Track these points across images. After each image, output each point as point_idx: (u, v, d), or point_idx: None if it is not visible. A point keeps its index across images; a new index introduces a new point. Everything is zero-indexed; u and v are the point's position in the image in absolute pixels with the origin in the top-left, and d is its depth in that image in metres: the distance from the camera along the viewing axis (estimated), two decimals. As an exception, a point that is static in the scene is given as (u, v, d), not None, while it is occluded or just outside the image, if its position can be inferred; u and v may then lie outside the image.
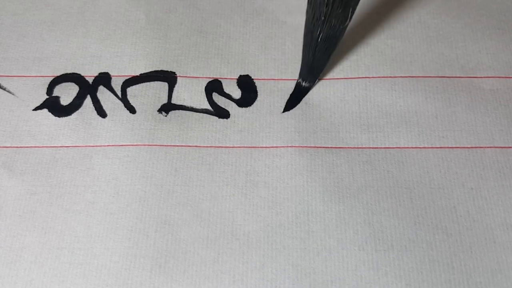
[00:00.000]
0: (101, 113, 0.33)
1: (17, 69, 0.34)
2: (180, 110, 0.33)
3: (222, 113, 0.33)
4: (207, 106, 0.33)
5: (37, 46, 0.35)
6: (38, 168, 0.31)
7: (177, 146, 0.32)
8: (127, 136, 0.32)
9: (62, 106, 0.33)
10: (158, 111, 0.33)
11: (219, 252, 0.29)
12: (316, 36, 0.30)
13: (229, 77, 0.34)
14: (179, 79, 0.34)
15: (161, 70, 0.34)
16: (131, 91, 0.34)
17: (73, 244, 0.29)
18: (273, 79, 0.34)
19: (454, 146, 0.32)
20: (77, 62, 0.35)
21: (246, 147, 0.32)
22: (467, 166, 0.31)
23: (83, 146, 0.32)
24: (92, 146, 0.32)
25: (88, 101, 0.33)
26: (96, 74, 0.34)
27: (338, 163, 0.31)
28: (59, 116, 0.33)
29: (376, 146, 0.32)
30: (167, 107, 0.33)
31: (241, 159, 0.32)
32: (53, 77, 0.34)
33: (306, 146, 0.32)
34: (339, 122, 0.33)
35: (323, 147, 0.32)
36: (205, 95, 0.34)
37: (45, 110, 0.33)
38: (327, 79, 0.34)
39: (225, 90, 0.34)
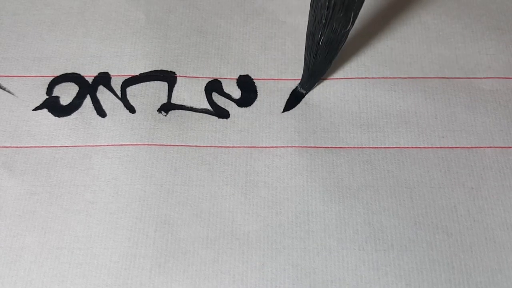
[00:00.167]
0: (101, 113, 0.33)
1: (17, 69, 0.34)
2: (180, 110, 0.33)
3: (222, 113, 0.33)
4: (206, 106, 0.33)
5: (37, 46, 0.35)
6: (38, 168, 0.31)
7: (177, 145, 0.32)
8: (126, 135, 0.32)
9: (62, 106, 0.33)
10: (157, 110, 0.33)
11: (219, 252, 0.29)
12: (317, 39, 0.30)
13: (229, 77, 0.34)
14: (178, 79, 0.34)
15: (161, 70, 0.34)
16: (130, 91, 0.34)
17: (73, 244, 0.29)
18: (273, 79, 0.34)
19: (454, 146, 0.32)
20: (77, 62, 0.35)
21: (246, 147, 0.32)
22: (467, 166, 0.31)
23: (82, 146, 0.32)
24: (91, 146, 0.32)
25: (87, 101, 0.33)
26: (96, 74, 0.34)
27: (338, 163, 0.31)
28: (59, 116, 0.33)
29: (376, 146, 0.32)
30: (167, 107, 0.33)
31: (241, 159, 0.32)
32: (53, 77, 0.34)
33: (306, 146, 0.32)
34: (339, 122, 0.33)
35: (323, 147, 0.32)
36: (205, 95, 0.34)
37: (45, 110, 0.33)
38: (327, 79, 0.34)
39: (225, 90, 0.34)
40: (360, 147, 0.32)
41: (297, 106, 0.33)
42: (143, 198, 0.30)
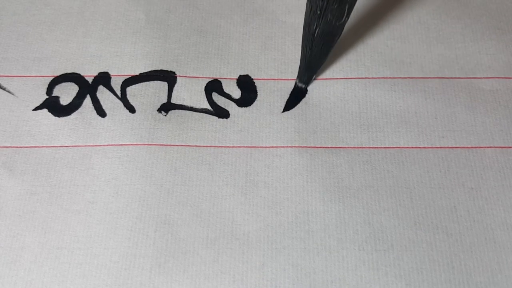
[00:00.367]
0: (101, 112, 0.33)
1: (17, 69, 0.34)
2: (180, 110, 0.33)
3: (222, 113, 0.33)
4: (206, 106, 0.33)
5: (37, 46, 0.35)
6: (38, 168, 0.31)
7: (177, 145, 0.32)
8: (126, 135, 0.32)
9: (62, 106, 0.33)
10: (157, 110, 0.33)
11: (219, 252, 0.29)
12: (312, 30, 0.30)
13: (229, 77, 0.34)
14: (178, 79, 0.34)
15: (161, 70, 0.34)
16: (130, 90, 0.34)
17: (73, 244, 0.29)
18: (273, 79, 0.34)
19: (454, 146, 0.32)
20: (77, 62, 0.35)
21: (246, 147, 0.32)
22: (467, 166, 0.31)
23: (82, 146, 0.32)
24: (91, 145, 0.32)
25: (87, 100, 0.33)
26: (95, 73, 0.34)
27: (338, 163, 0.31)
28: (59, 116, 0.33)
29: (376, 146, 0.32)
30: (167, 107, 0.33)
31: (241, 159, 0.32)
32: (53, 77, 0.34)
33: (306, 146, 0.32)
34: (339, 122, 0.33)
35: (323, 147, 0.32)
36: (204, 95, 0.34)
37: (45, 110, 0.33)
38: (327, 79, 0.34)
39: (225, 90, 0.34)
40: (360, 147, 0.32)
41: (297, 106, 0.33)
42: (143, 198, 0.30)
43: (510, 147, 0.32)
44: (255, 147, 0.32)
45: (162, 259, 0.29)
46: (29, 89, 0.34)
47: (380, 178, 0.31)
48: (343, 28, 0.31)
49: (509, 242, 0.29)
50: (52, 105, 0.33)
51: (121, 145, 0.32)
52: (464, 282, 0.28)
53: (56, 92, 0.34)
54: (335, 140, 0.32)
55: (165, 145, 0.32)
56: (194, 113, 0.33)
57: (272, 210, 0.30)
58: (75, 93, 0.34)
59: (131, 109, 0.33)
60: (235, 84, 0.34)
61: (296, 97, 0.34)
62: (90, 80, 0.34)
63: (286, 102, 0.33)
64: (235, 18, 0.36)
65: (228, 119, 0.33)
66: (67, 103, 0.33)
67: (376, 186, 0.31)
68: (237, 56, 0.35)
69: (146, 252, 0.29)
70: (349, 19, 0.31)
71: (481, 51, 0.35)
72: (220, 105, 0.33)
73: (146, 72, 0.34)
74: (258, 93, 0.34)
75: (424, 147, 0.32)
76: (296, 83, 0.34)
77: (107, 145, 0.32)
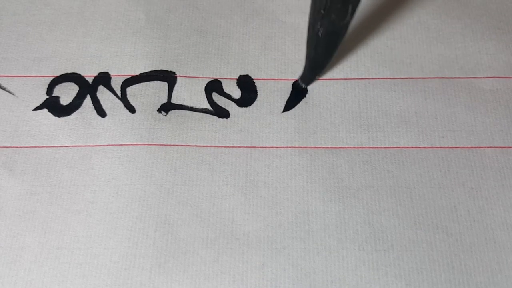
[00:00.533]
0: (101, 112, 0.33)
1: (17, 69, 0.34)
2: (180, 110, 0.33)
3: (222, 113, 0.33)
4: (206, 105, 0.33)
5: (37, 46, 0.35)
6: (38, 168, 0.31)
7: (177, 145, 0.32)
8: (126, 135, 0.32)
9: (62, 106, 0.33)
10: (157, 110, 0.33)
11: (219, 252, 0.29)
12: (316, 30, 0.30)
13: (229, 77, 0.34)
14: (179, 79, 0.34)
15: (161, 70, 0.34)
16: (130, 90, 0.34)
17: (73, 244, 0.29)
18: (273, 79, 0.34)
19: (454, 146, 0.32)
20: (77, 62, 0.35)
21: (246, 147, 0.32)
22: (467, 166, 0.31)
23: (82, 146, 0.32)
24: (91, 145, 0.32)
25: (88, 101, 0.33)
26: (96, 74, 0.34)
27: (338, 163, 0.31)
28: (59, 116, 0.33)
29: (376, 146, 0.32)
30: (167, 107, 0.33)
31: (241, 159, 0.32)
32: (53, 77, 0.34)
33: (306, 147, 0.32)
34: (339, 122, 0.33)
35: (323, 147, 0.32)
36: (205, 95, 0.34)
37: (45, 110, 0.33)
38: (327, 79, 0.34)
39: (225, 90, 0.34)
40: (360, 147, 0.32)
41: (297, 106, 0.33)
42: (143, 198, 0.30)
43: (510, 147, 0.32)
44: (255, 147, 0.32)
45: (162, 259, 0.29)
46: (29, 89, 0.34)
47: (380, 178, 0.31)
48: (348, 28, 0.31)
49: (509, 242, 0.29)
50: (52, 105, 0.33)
51: (121, 145, 0.32)
52: (464, 282, 0.28)
53: (56, 92, 0.34)
54: (335, 140, 0.32)
55: (165, 145, 0.32)
56: (194, 113, 0.33)
57: (272, 210, 0.30)
58: (75, 93, 0.34)
59: (131, 109, 0.33)
60: (235, 84, 0.34)
61: (296, 97, 0.34)
62: (90, 80, 0.34)
63: (286, 102, 0.33)
64: (235, 18, 0.36)
65: (228, 119, 0.33)
66: (67, 103, 0.33)
67: (376, 186, 0.31)
68: (237, 56, 0.35)
69: (146, 252, 0.29)
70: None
71: (481, 51, 0.35)
72: (220, 105, 0.33)
73: (146, 72, 0.34)
74: (258, 93, 0.34)
75: (424, 147, 0.32)
76: (297, 81, 0.34)
77: (107, 145, 0.32)
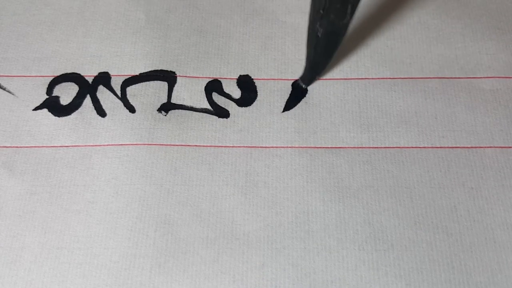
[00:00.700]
0: (101, 112, 0.33)
1: (17, 69, 0.34)
2: (180, 110, 0.33)
3: (222, 113, 0.33)
4: (206, 105, 0.33)
5: (37, 46, 0.35)
6: (38, 168, 0.31)
7: (177, 145, 0.32)
8: (126, 135, 0.32)
9: (62, 106, 0.33)
10: (157, 110, 0.33)
11: (219, 252, 0.29)
12: (316, 30, 0.30)
13: (229, 77, 0.34)
14: (178, 79, 0.34)
15: (161, 70, 0.34)
16: (130, 90, 0.34)
17: (73, 244, 0.29)
18: (273, 79, 0.34)
19: (454, 146, 0.32)
20: (77, 62, 0.35)
21: (246, 146, 0.32)
22: (467, 166, 0.31)
23: (82, 146, 0.32)
24: (91, 145, 0.32)
25: (87, 100, 0.33)
26: (95, 73, 0.34)
27: (338, 163, 0.31)
28: (59, 116, 0.33)
29: (376, 146, 0.32)
30: (167, 107, 0.33)
31: (241, 158, 0.32)
32: (53, 77, 0.34)
33: (306, 147, 0.32)
34: (339, 121, 0.33)
35: (323, 147, 0.32)
36: (205, 95, 0.34)
37: (45, 110, 0.33)
38: (327, 79, 0.34)
39: (225, 90, 0.34)
40: (360, 147, 0.32)
41: (297, 106, 0.33)
42: (143, 198, 0.30)
43: (510, 147, 0.32)
44: (255, 147, 0.32)
45: (162, 259, 0.29)
46: (29, 89, 0.34)
47: (380, 178, 0.31)
48: (347, 28, 0.31)
49: (509, 242, 0.29)
50: (52, 105, 0.33)
51: (121, 145, 0.32)
52: (464, 282, 0.28)
53: (56, 92, 0.34)
54: (335, 140, 0.32)
55: (165, 145, 0.32)
56: (194, 113, 0.33)
57: (272, 210, 0.30)
58: (75, 93, 0.34)
59: (131, 109, 0.33)
60: (235, 84, 0.34)
61: (296, 97, 0.34)
62: (90, 80, 0.34)
63: (286, 102, 0.33)
64: (235, 18, 0.36)
65: (228, 119, 0.33)
66: (67, 103, 0.33)
67: (376, 186, 0.31)
68: (237, 56, 0.35)
69: (146, 252, 0.29)
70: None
71: (481, 51, 0.35)
72: (220, 105, 0.33)
73: (146, 72, 0.34)
74: (258, 93, 0.34)
75: (424, 147, 0.32)
76: (297, 81, 0.34)
77: (107, 145, 0.32)
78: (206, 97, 0.34)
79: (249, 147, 0.32)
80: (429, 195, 0.30)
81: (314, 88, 0.34)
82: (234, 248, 0.29)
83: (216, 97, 0.34)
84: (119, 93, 0.34)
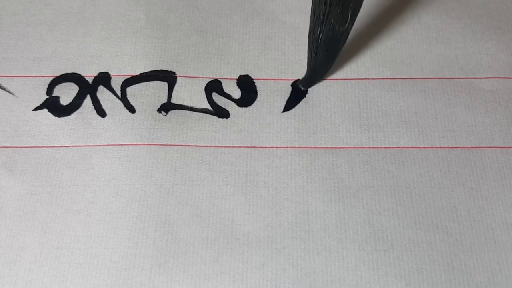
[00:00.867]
0: (101, 112, 0.33)
1: (17, 69, 0.34)
2: (180, 110, 0.33)
3: (222, 113, 0.33)
4: (206, 105, 0.33)
5: (37, 46, 0.35)
6: (38, 168, 0.31)
7: (177, 145, 0.32)
8: (126, 135, 0.32)
9: (62, 106, 0.33)
10: (157, 110, 0.33)
11: (219, 252, 0.29)
12: (316, 36, 0.30)
13: (229, 77, 0.34)
14: (178, 79, 0.34)
15: (161, 70, 0.34)
16: (130, 90, 0.34)
17: (73, 244, 0.29)
18: (273, 79, 0.34)
19: (454, 146, 0.32)
20: (77, 62, 0.35)
21: (246, 147, 0.32)
22: (467, 166, 0.31)
23: (82, 146, 0.32)
24: (91, 145, 0.32)
25: (88, 101, 0.33)
26: (96, 74, 0.34)
27: (338, 163, 0.31)
28: (59, 116, 0.33)
29: (376, 146, 0.32)
30: (167, 107, 0.33)
31: (241, 159, 0.32)
32: (53, 77, 0.34)
33: (306, 147, 0.32)
34: (339, 122, 0.33)
35: (323, 147, 0.32)
36: (205, 95, 0.34)
37: (45, 110, 0.33)
38: (327, 79, 0.34)
39: (225, 90, 0.34)
40: (360, 147, 0.32)
41: (297, 106, 0.33)
42: (143, 198, 0.30)
43: (510, 147, 0.32)
44: (255, 147, 0.32)
45: (162, 259, 0.29)
46: (29, 89, 0.34)
47: (380, 178, 0.31)
48: (348, 34, 0.31)
49: (509, 242, 0.29)
50: (52, 105, 0.33)
51: (121, 145, 0.32)
52: (464, 282, 0.28)
53: (56, 92, 0.34)
54: (335, 140, 0.32)
55: (165, 145, 0.32)
56: (194, 113, 0.33)
57: (272, 210, 0.30)
58: (75, 93, 0.34)
59: (131, 109, 0.33)
60: (235, 84, 0.34)
61: (296, 97, 0.34)
62: (90, 80, 0.34)
63: (286, 102, 0.33)
64: (235, 18, 0.36)
65: (228, 119, 0.33)
66: (67, 103, 0.33)
67: (376, 186, 0.31)
68: (237, 56, 0.35)
69: (146, 252, 0.29)
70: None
71: (481, 51, 0.35)
72: (220, 105, 0.33)
73: (146, 72, 0.34)
74: (258, 93, 0.34)
75: (424, 147, 0.32)
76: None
77: (107, 145, 0.32)
78: (206, 97, 0.34)
79: (249, 147, 0.32)
80: (429, 195, 0.30)
81: (314, 88, 0.34)
82: (234, 248, 0.29)
83: (216, 97, 0.34)
84: (119, 93, 0.34)
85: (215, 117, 0.33)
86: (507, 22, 0.36)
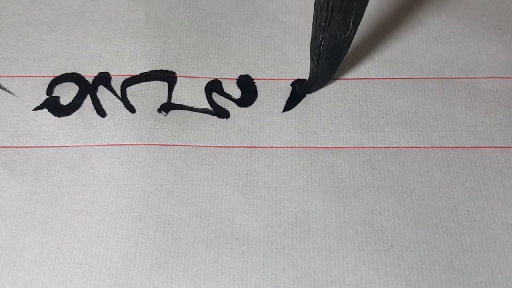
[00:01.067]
0: (101, 112, 0.33)
1: (17, 69, 0.34)
2: (180, 110, 0.33)
3: (222, 113, 0.33)
4: (207, 105, 0.33)
5: (37, 46, 0.35)
6: (38, 168, 0.31)
7: (177, 145, 0.32)
8: (126, 135, 0.32)
9: (62, 106, 0.33)
10: (157, 110, 0.33)
11: (219, 252, 0.29)
12: (318, 43, 0.30)
13: (229, 77, 0.34)
14: (179, 79, 0.34)
15: (161, 70, 0.34)
16: (130, 90, 0.34)
17: (73, 244, 0.29)
18: (273, 79, 0.34)
19: (454, 146, 0.32)
20: (77, 62, 0.35)
21: (246, 147, 0.32)
22: (467, 166, 0.31)
23: (82, 146, 0.32)
24: (91, 145, 0.32)
25: (88, 100, 0.33)
26: (96, 73, 0.34)
27: (338, 163, 0.31)
28: (59, 116, 0.33)
29: (376, 146, 0.32)
30: (167, 107, 0.33)
31: (241, 159, 0.32)
32: (53, 77, 0.34)
33: (306, 147, 0.32)
34: (339, 121, 0.33)
35: (323, 147, 0.32)
36: (205, 95, 0.34)
37: (45, 110, 0.33)
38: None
39: (225, 90, 0.34)
40: (360, 147, 0.32)
41: (297, 106, 0.33)
42: (143, 198, 0.30)
43: (510, 147, 0.32)
44: (255, 147, 0.32)
45: (162, 259, 0.29)
46: (29, 89, 0.34)
47: (380, 178, 0.31)
48: (351, 42, 0.31)
49: (509, 242, 0.29)
50: (52, 105, 0.33)
51: (121, 145, 0.32)
52: (464, 282, 0.28)
53: (56, 92, 0.34)
54: (335, 140, 0.32)
55: (165, 145, 0.32)
56: (194, 113, 0.33)
57: (272, 210, 0.30)
58: (75, 93, 0.34)
59: (131, 109, 0.33)
60: (235, 84, 0.34)
61: (296, 97, 0.34)
62: (90, 80, 0.34)
63: (286, 102, 0.33)
64: (235, 18, 0.36)
65: (228, 119, 0.33)
66: (67, 103, 0.33)
67: (376, 186, 0.31)
68: (237, 56, 0.35)
69: (146, 252, 0.29)
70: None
71: (481, 51, 0.35)
72: (220, 105, 0.33)
73: (146, 72, 0.34)
74: (258, 93, 0.34)
75: (424, 147, 0.32)
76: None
77: (107, 145, 0.32)
78: (206, 97, 0.34)
79: (249, 147, 0.32)
80: (429, 195, 0.30)
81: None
82: (234, 248, 0.29)
83: (216, 97, 0.34)
84: (119, 93, 0.34)
85: (215, 117, 0.33)
86: (507, 22, 0.36)
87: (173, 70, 0.34)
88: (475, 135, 0.32)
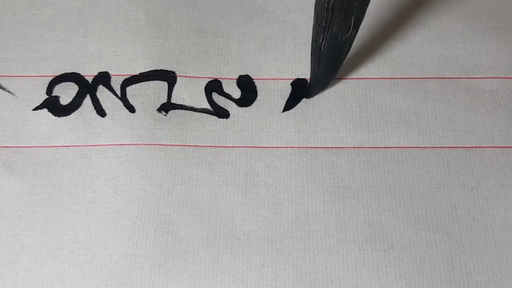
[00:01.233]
0: (101, 112, 0.33)
1: (17, 69, 0.34)
2: (180, 110, 0.33)
3: (222, 113, 0.33)
4: (206, 105, 0.33)
5: (37, 46, 0.35)
6: (38, 168, 0.31)
7: (177, 145, 0.32)
8: (126, 135, 0.32)
9: (62, 105, 0.33)
10: (157, 110, 0.33)
11: (219, 252, 0.29)
12: (319, 44, 0.30)
13: (229, 77, 0.34)
14: (178, 79, 0.34)
15: (161, 70, 0.34)
16: (130, 90, 0.34)
17: (73, 244, 0.29)
18: (273, 79, 0.34)
19: (454, 146, 0.32)
20: (77, 61, 0.35)
21: (246, 147, 0.32)
22: (467, 166, 0.31)
23: (82, 146, 0.32)
24: (91, 145, 0.32)
25: (87, 100, 0.33)
26: (95, 73, 0.34)
27: (338, 163, 0.31)
28: (58, 116, 0.33)
29: (376, 146, 0.32)
30: (167, 107, 0.33)
31: (241, 159, 0.32)
32: (53, 77, 0.34)
33: (306, 147, 0.32)
34: (339, 121, 0.33)
35: (323, 147, 0.32)
36: (205, 95, 0.34)
37: (45, 110, 0.33)
38: (327, 79, 0.34)
39: (225, 90, 0.34)
40: (360, 147, 0.32)
41: (297, 106, 0.33)
42: (143, 198, 0.30)
43: (510, 147, 0.32)
44: (255, 147, 0.32)
45: (162, 259, 0.29)
46: (29, 89, 0.34)
47: (380, 178, 0.31)
48: (351, 43, 0.31)
49: (509, 242, 0.29)
50: (52, 105, 0.33)
51: (121, 145, 0.32)
52: (464, 282, 0.28)
53: (56, 92, 0.34)
54: (335, 140, 0.32)
55: (165, 145, 0.32)
56: (194, 113, 0.33)
57: (272, 210, 0.30)
58: (75, 93, 0.34)
59: (131, 109, 0.33)
60: (235, 84, 0.34)
61: (296, 97, 0.34)
62: (90, 80, 0.34)
63: (286, 102, 0.33)
64: (235, 18, 0.36)
65: (228, 119, 0.33)
66: (67, 103, 0.33)
67: (376, 186, 0.31)
68: (237, 56, 0.35)
69: (146, 252, 0.29)
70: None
71: (481, 51, 0.35)
72: (220, 105, 0.33)
73: (146, 72, 0.34)
74: (258, 93, 0.34)
75: (424, 147, 0.32)
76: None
77: (107, 145, 0.32)
78: (206, 97, 0.34)
79: (249, 147, 0.32)
80: (429, 195, 0.30)
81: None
82: (234, 248, 0.29)
83: (216, 97, 0.34)
84: (119, 93, 0.34)
85: (215, 117, 0.33)
86: (507, 22, 0.36)
87: (173, 70, 0.34)
88: (475, 135, 0.32)
